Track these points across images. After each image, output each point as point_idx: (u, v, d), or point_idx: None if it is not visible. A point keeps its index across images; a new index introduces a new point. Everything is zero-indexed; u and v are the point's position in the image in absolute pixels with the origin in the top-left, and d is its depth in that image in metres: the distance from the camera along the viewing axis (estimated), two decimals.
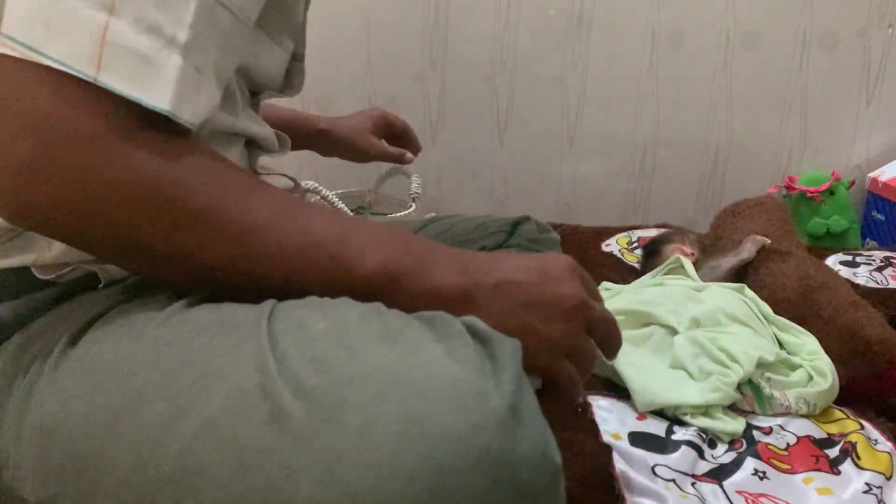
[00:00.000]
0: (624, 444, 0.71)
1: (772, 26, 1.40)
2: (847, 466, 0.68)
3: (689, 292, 0.92)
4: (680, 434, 0.72)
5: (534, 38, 1.45)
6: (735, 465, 0.69)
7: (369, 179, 1.42)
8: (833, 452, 0.70)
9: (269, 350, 0.38)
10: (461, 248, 0.49)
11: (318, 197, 1.28)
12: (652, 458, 0.69)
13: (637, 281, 1.03)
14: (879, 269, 1.09)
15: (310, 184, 1.28)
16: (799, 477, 0.67)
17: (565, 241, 1.02)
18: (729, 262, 0.99)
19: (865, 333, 0.79)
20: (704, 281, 0.97)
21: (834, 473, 0.67)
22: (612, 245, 1.25)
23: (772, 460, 0.69)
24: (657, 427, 0.74)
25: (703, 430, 0.73)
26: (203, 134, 0.48)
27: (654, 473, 0.67)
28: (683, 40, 1.43)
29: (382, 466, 0.33)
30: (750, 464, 0.69)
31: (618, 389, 0.81)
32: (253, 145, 0.63)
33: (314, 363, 0.36)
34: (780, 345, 0.85)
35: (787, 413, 0.76)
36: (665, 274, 1.01)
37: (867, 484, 0.65)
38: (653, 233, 1.22)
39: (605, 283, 1.05)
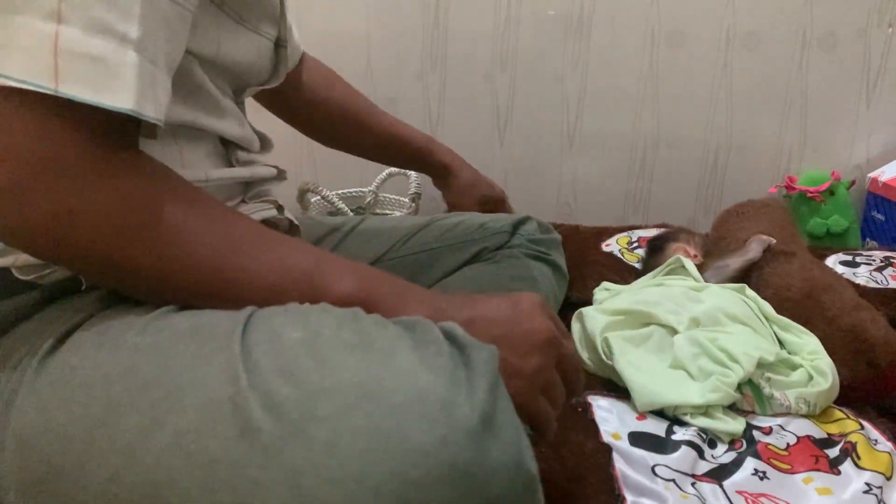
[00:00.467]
0: (624, 444, 0.71)
1: (772, 26, 1.40)
2: (847, 466, 0.68)
3: (689, 292, 0.92)
4: (680, 434, 0.72)
5: (534, 37, 1.45)
6: (735, 465, 0.69)
7: (369, 179, 1.42)
8: (833, 452, 0.70)
9: (240, 361, 0.37)
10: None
11: (319, 197, 1.28)
12: (652, 458, 0.69)
13: (637, 281, 1.03)
14: (879, 269, 1.09)
15: (310, 184, 1.28)
16: (799, 477, 0.67)
17: (565, 241, 1.02)
18: (736, 262, 0.99)
19: (869, 335, 0.79)
20: (712, 281, 0.97)
21: (834, 473, 0.67)
22: (612, 245, 1.25)
23: (772, 460, 0.69)
24: (657, 427, 0.74)
25: (703, 430, 0.73)
26: (166, 128, 0.49)
27: (654, 473, 0.67)
28: (683, 40, 1.42)
29: (349, 482, 0.32)
30: (750, 464, 0.69)
31: (618, 389, 0.81)
32: (232, 144, 0.63)
33: (284, 375, 0.36)
34: (781, 344, 0.85)
35: (787, 413, 0.76)
36: (665, 274, 1.01)
37: (867, 484, 0.65)
38: (653, 233, 1.22)
39: (605, 284, 1.05)
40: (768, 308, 0.89)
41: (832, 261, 1.15)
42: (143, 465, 0.37)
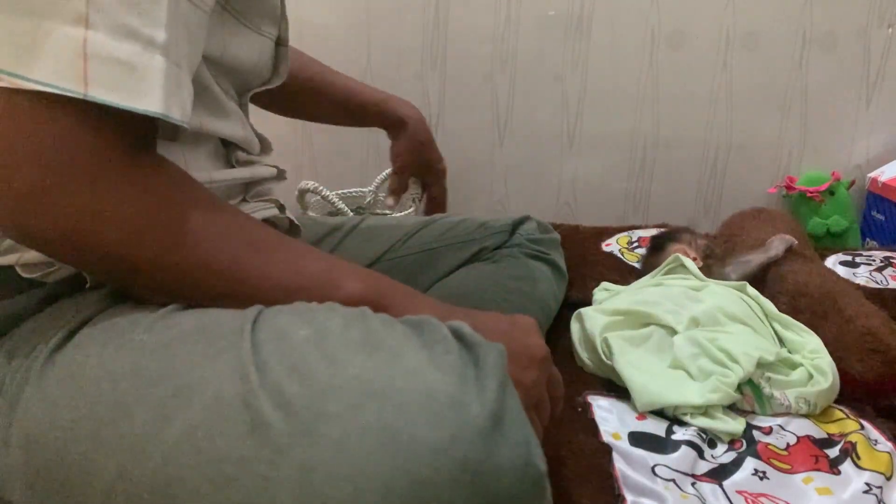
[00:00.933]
0: (624, 443, 0.71)
1: (772, 26, 1.40)
2: (847, 466, 0.68)
3: (689, 292, 0.92)
4: (680, 434, 0.72)
5: (534, 37, 1.45)
6: (735, 465, 0.69)
7: (369, 179, 1.42)
8: (833, 452, 0.70)
9: (251, 359, 0.38)
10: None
11: (319, 197, 1.28)
12: (652, 457, 0.69)
13: (637, 281, 1.03)
14: (879, 269, 1.09)
15: (310, 184, 1.28)
16: (799, 477, 0.67)
17: (565, 241, 1.02)
18: (759, 258, 1.02)
19: (886, 338, 0.79)
20: (735, 275, 1.01)
21: (834, 473, 0.67)
22: (613, 245, 1.25)
23: (772, 460, 0.69)
24: (657, 427, 0.74)
25: (703, 430, 0.73)
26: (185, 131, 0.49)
27: (654, 473, 0.67)
28: (683, 40, 1.42)
29: (359, 478, 0.33)
30: (750, 464, 0.69)
31: (618, 389, 0.81)
32: (232, 145, 0.63)
33: (294, 373, 0.36)
34: (782, 342, 0.85)
35: (787, 413, 0.76)
36: (665, 274, 1.01)
37: (867, 484, 0.65)
38: (653, 233, 1.22)
39: (605, 284, 1.05)
40: (770, 306, 0.89)
41: (832, 261, 1.15)
42: (152, 461, 0.37)
